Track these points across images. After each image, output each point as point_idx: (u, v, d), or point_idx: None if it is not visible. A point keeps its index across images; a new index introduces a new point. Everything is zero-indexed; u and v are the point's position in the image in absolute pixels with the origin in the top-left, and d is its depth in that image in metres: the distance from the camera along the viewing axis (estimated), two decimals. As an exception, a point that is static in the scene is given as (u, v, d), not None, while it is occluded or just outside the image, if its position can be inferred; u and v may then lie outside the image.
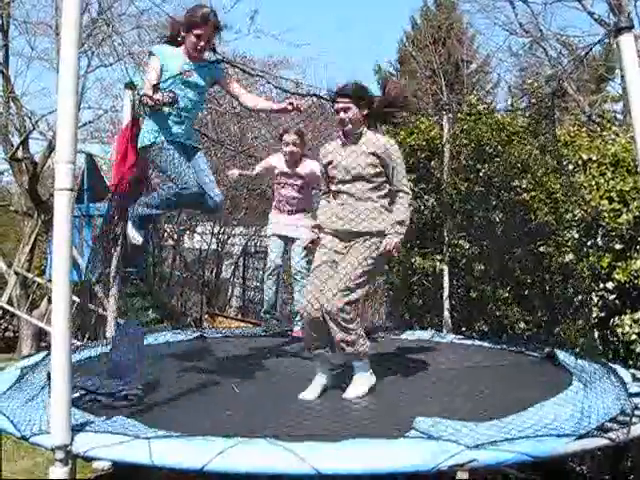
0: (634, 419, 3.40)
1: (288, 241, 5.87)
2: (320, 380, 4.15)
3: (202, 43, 4.47)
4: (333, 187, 4.30)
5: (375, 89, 4.39)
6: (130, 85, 5.83)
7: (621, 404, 3.64)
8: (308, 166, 5.74)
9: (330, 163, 4.29)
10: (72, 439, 3.05)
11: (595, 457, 4.90)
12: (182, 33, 4.50)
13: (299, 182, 5.78)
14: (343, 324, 4.01)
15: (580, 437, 3.13)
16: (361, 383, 4.12)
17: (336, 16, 41.03)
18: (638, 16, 13.71)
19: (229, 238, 14.95)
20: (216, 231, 14.14)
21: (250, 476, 2.93)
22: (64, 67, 3.00)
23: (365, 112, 4.25)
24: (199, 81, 4.55)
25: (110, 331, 6.03)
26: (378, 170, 4.19)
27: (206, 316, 12.90)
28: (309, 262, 5.50)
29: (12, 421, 3.43)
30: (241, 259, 15.22)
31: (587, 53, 8.85)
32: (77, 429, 3.15)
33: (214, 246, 14.40)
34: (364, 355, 4.14)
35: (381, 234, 4.18)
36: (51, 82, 22.06)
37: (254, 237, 14.80)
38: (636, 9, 13.50)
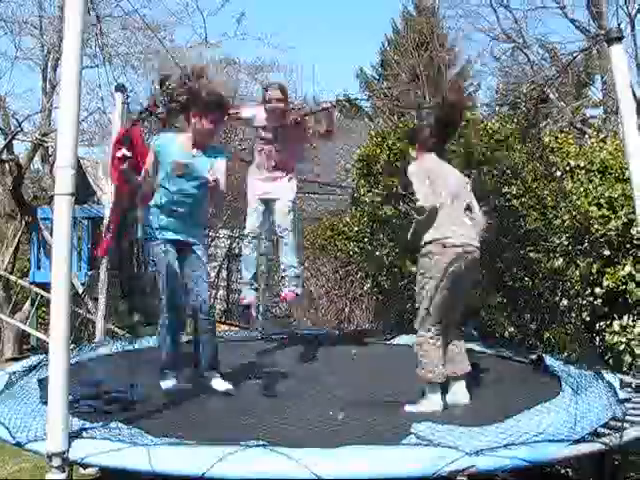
0: (625, 424, 3.46)
1: (270, 202, 5.50)
2: None
3: (209, 127, 4.19)
4: None
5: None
6: (120, 87, 5.78)
7: (612, 409, 3.69)
8: (292, 115, 5.47)
9: None
10: (69, 445, 3.05)
11: (580, 459, 4.93)
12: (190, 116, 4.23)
13: (281, 134, 5.42)
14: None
15: (575, 442, 3.17)
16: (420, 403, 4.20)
17: (321, 19, 41.24)
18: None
19: (212, 240, 14.88)
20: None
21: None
22: (66, 74, 3.02)
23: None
24: (195, 172, 4.20)
25: (99, 334, 6.01)
26: None
27: (189, 320, 12.82)
28: (293, 220, 5.45)
29: (7, 427, 3.41)
30: (225, 261, 15.15)
31: (570, 62, 8.93)
32: (74, 435, 3.13)
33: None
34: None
35: None
36: (36, 82, 21.92)
37: (238, 239, 14.76)
38: (617, 18, 13.70)
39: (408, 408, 4.12)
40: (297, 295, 5.58)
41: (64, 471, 3.04)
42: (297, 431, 3.44)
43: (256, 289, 5.78)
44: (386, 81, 25.00)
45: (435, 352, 4.21)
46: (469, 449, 2.94)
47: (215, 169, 4.16)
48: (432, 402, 4.18)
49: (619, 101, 4.15)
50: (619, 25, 5.34)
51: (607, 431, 3.35)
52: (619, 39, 4.17)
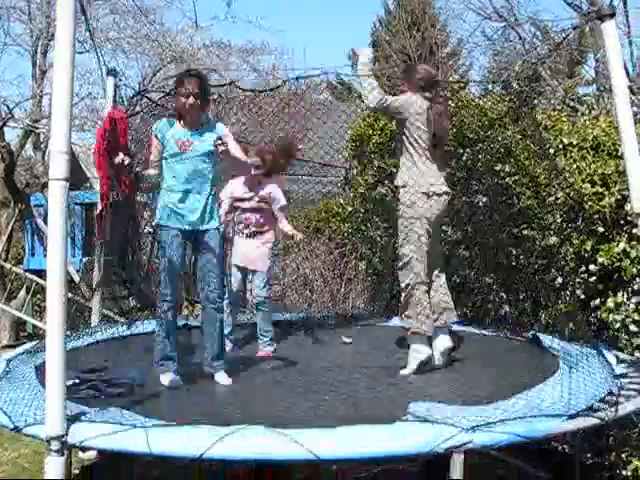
0: (621, 399, 3.49)
1: (249, 271, 5.65)
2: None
3: (188, 101, 4.18)
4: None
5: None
6: (112, 72, 5.75)
7: (608, 385, 3.73)
8: (268, 188, 5.55)
9: None
10: (67, 429, 3.06)
11: (576, 435, 4.97)
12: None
13: (258, 204, 5.53)
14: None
15: (571, 417, 3.20)
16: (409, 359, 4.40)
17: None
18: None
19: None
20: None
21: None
22: (59, 60, 3.01)
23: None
24: (200, 148, 4.26)
25: (95, 319, 6.02)
26: None
27: (185, 304, 12.83)
28: (269, 292, 5.62)
29: (5, 412, 3.42)
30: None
31: (563, 41, 8.90)
32: (72, 419, 3.15)
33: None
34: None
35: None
36: (26, 69, 21.74)
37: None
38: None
39: (403, 372, 4.31)
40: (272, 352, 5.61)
41: (63, 455, 3.05)
42: (296, 412, 3.45)
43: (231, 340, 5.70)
44: (377, 62, 24.92)
45: (426, 300, 4.31)
46: (465, 425, 2.96)
47: (219, 138, 4.23)
48: (420, 352, 4.34)
49: (611, 78, 4.15)
50: (611, 1, 5.29)
51: (603, 406, 3.39)
52: (611, 15, 4.16)
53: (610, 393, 3.56)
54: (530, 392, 3.62)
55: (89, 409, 3.37)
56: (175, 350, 4.33)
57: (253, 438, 2.92)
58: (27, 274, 11.72)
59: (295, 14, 39.52)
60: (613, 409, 3.35)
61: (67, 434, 3.04)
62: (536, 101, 7.44)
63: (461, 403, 3.38)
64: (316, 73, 5.87)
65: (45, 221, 10.67)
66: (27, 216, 12.01)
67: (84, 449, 3.43)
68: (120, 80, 5.73)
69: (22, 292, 12.23)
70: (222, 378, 4.30)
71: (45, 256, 3.03)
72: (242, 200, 5.53)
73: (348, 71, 24.38)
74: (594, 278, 5.29)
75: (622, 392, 3.61)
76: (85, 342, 5.42)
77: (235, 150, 4.40)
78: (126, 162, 4.32)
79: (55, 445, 3.03)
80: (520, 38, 15.68)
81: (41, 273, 10.73)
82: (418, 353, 4.35)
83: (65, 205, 3.04)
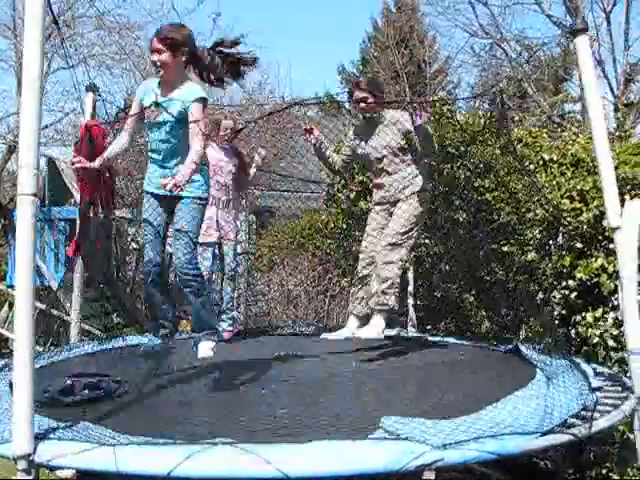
0: (596, 414, 3.47)
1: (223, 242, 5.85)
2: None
3: (155, 58, 3.96)
4: None
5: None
6: (91, 87, 5.73)
7: (583, 399, 3.70)
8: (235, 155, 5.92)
9: None
10: (35, 448, 3.00)
11: (558, 451, 4.97)
12: None
13: (233, 166, 5.86)
14: None
15: (544, 434, 3.17)
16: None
17: (299, 17, 41.21)
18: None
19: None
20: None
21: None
22: (27, 72, 2.97)
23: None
24: (165, 118, 3.98)
25: (74, 336, 5.96)
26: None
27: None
28: (238, 265, 5.98)
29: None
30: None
31: (537, 51, 9.01)
32: (40, 437, 3.09)
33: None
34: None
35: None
36: (10, 84, 21.71)
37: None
38: (593, 13, 13.85)
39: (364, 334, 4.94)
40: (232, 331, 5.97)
41: (30, 474, 2.99)
42: (265, 427, 3.41)
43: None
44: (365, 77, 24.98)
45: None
46: (436, 443, 2.93)
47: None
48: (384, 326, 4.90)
49: (585, 93, 4.16)
50: (583, 17, 5.36)
51: (578, 422, 3.36)
52: (584, 30, 4.17)
53: (585, 409, 3.53)
54: (504, 407, 3.59)
55: (58, 424, 3.31)
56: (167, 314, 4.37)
57: (221, 456, 2.88)
58: (10, 290, 11.60)
59: (282, 28, 39.69)
60: (587, 425, 3.33)
61: (35, 453, 2.99)
62: (517, 118, 7.48)
63: (434, 418, 3.33)
64: (309, 102, 6.18)
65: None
66: (10, 231, 11.93)
67: (51, 468, 3.37)
68: (100, 96, 5.70)
69: (5, 308, 12.10)
70: (201, 349, 4.20)
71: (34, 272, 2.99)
72: (217, 161, 5.69)
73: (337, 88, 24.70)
74: (574, 294, 5.31)
75: (598, 407, 3.59)
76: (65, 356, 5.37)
77: (192, 136, 3.97)
78: (96, 164, 4.24)
79: (22, 464, 2.98)
80: (506, 55, 15.85)
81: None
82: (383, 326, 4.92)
83: (34, 221, 2.99)
